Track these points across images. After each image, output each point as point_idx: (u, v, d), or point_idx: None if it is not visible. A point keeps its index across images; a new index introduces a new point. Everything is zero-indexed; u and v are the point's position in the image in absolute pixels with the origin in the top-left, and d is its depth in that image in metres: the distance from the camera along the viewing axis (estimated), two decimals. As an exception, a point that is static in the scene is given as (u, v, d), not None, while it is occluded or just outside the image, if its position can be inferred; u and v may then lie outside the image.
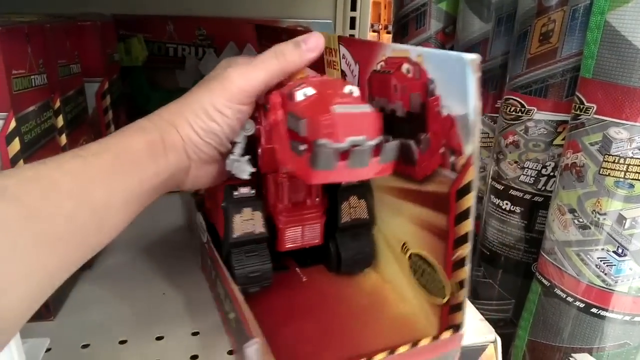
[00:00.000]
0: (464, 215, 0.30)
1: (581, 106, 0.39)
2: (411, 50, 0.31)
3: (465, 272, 0.31)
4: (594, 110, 0.38)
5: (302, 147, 0.28)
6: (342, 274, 0.43)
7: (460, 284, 0.32)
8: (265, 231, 0.38)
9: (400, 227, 0.38)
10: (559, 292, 0.43)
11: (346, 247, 0.41)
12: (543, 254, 0.45)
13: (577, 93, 0.40)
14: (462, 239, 0.30)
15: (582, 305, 0.41)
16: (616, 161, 0.37)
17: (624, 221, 0.38)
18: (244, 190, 0.38)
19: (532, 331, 0.47)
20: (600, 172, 0.38)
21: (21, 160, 0.37)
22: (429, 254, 0.35)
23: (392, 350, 0.31)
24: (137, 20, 0.74)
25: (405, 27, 0.63)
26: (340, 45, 0.38)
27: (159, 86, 0.75)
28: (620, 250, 0.38)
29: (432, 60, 0.29)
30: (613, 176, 0.37)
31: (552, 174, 0.47)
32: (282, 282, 0.42)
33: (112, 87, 0.57)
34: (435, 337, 0.33)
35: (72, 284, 0.48)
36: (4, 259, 0.22)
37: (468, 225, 0.30)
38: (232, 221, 0.37)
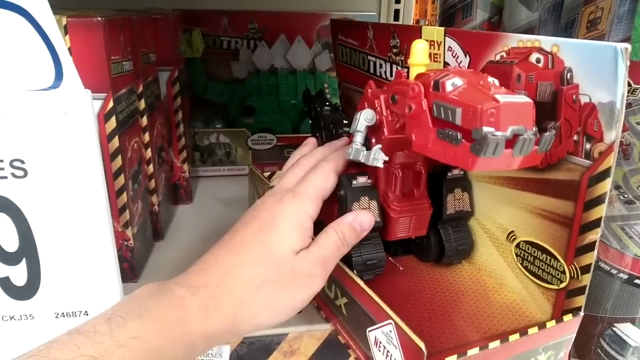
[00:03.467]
0: (598, 200, 0.31)
1: (629, 88, 0.41)
2: (543, 40, 0.32)
3: (593, 256, 0.33)
4: (641, 91, 0.40)
5: (459, 136, 0.29)
6: (438, 264, 0.45)
7: (586, 268, 0.33)
8: (380, 220, 0.39)
9: (508, 216, 0.40)
10: (603, 265, 0.45)
11: (449, 237, 0.43)
12: (588, 230, 0.47)
13: (624, 76, 0.42)
14: (594, 224, 0.32)
15: (625, 277, 0.44)
16: (662, 139, 0.39)
17: (669, 196, 0.40)
18: (362, 180, 0.39)
19: (576, 304, 0.49)
20: (646, 150, 0.40)
21: (116, 137, 0.42)
22: (544, 240, 0.37)
23: (523, 332, 0.33)
24: (194, 15, 0.79)
25: (452, 17, 0.66)
26: (447, 37, 0.40)
27: (215, 77, 0.80)
28: (664, 224, 0.40)
29: (572, 50, 0.31)
30: (658, 153, 0.39)
31: (597, 155, 0.49)
32: None
33: (180, 76, 0.62)
34: (559, 320, 0.34)
35: (149, 253, 0.53)
36: None
37: (601, 211, 0.31)
38: (351, 209, 0.38)
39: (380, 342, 0.34)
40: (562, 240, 0.35)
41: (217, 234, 0.59)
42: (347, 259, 0.39)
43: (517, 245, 0.39)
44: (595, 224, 0.32)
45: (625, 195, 0.42)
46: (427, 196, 0.42)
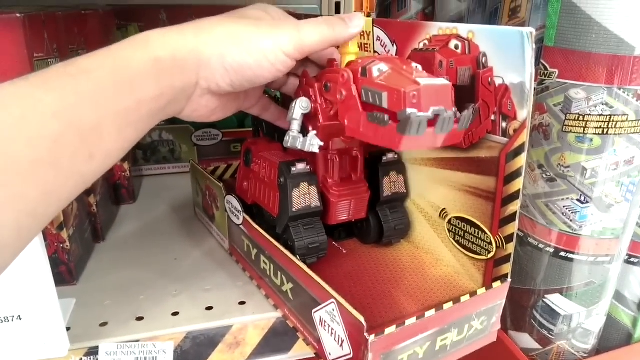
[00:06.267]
0: (516, 174, 0.34)
1: (545, 72, 0.44)
2: (460, 28, 0.34)
3: (515, 226, 0.35)
4: (556, 75, 0.43)
5: (387, 118, 0.30)
6: (379, 245, 0.47)
7: (509, 238, 0.36)
8: (320, 205, 0.41)
9: (439, 194, 0.42)
10: (532, 241, 0.48)
11: (387, 218, 0.45)
12: (517, 208, 0.50)
13: (542, 60, 0.44)
14: (513, 197, 0.34)
15: (552, 250, 0.46)
16: (576, 119, 0.42)
17: (585, 172, 0.42)
18: (301, 166, 0.40)
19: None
20: (563, 130, 0.43)
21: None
22: (472, 215, 0.39)
23: (456, 300, 0.34)
24: (131, 10, 0.77)
25: (387, 9, 0.68)
26: (375, 28, 0.41)
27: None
28: (582, 198, 0.43)
29: (485, 35, 0.33)
30: (574, 132, 0.42)
31: (524, 137, 0.51)
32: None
33: (115, 73, 0.60)
34: (488, 288, 0.36)
35: (89, 255, 0.52)
36: None
37: (519, 183, 0.34)
38: (292, 196, 0.39)
39: (325, 322, 0.35)
40: (487, 214, 0.37)
41: (162, 233, 0.59)
42: (290, 245, 0.40)
43: (449, 222, 0.41)
44: (515, 196, 0.34)
45: (548, 174, 0.45)
46: (365, 180, 0.44)
